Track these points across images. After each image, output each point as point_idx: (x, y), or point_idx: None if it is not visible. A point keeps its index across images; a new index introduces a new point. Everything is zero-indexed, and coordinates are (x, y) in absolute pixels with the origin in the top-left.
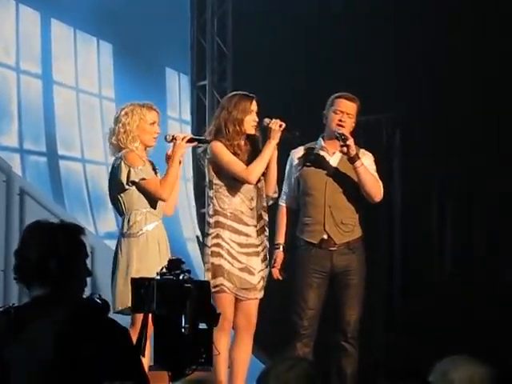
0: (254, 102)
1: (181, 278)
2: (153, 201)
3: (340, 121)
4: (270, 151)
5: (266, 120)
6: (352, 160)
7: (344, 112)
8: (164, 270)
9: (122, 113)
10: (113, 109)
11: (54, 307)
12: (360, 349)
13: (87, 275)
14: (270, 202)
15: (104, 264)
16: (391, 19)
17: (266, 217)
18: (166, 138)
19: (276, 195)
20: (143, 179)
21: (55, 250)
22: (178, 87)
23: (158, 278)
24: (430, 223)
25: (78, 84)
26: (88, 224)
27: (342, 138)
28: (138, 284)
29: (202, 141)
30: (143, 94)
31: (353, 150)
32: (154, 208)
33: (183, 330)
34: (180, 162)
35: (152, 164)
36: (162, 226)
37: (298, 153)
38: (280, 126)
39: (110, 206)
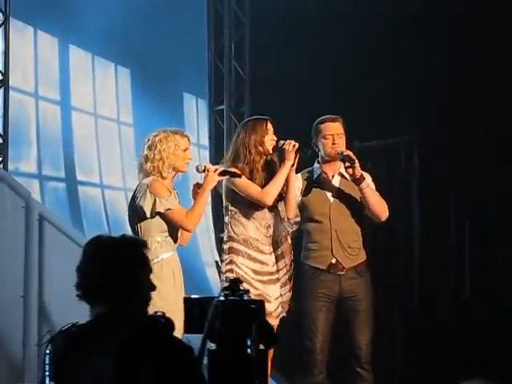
0: (269, 123)
1: (245, 298)
2: (176, 229)
3: (333, 144)
4: (285, 172)
5: (281, 142)
6: (358, 181)
7: (333, 134)
8: (223, 290)
9: (157, 139)
10: (131, 134)
11: (118, 324)
12: (378, 369)
13: (151, 290)
14: (294, 228)
15: None
16: (407, 44)
17: (286, 242)
18: (197, 169)
19: (299, 219)
20: (169, 209)
21: (118, 266)
22: (195, 112)
23: (222, 298)
24: (449, 245)
25: (96, 109)
26: None
27: (348, 160)
28: (192, 303)
29: (234, 174)
30: (161, 119)
31: (359, 171)
32: (175, 238)
33: (249, 351)
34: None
35: (174, 190)
36: (177, 255)
37: (297, 181)
38: (293, 146)
39: (129, 230)
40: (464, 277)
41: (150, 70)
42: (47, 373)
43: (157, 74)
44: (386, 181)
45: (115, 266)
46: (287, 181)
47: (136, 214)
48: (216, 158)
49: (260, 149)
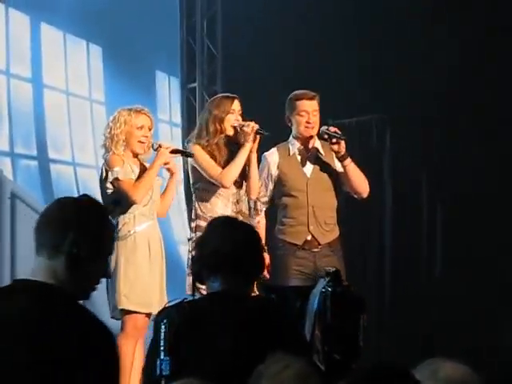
0: (236, 102)
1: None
2: (125, 203)
3: (308, 122)
4: (244, 154)
5: (239, 123)
6: (343, 158)
7: (309, 112)
8: (326, 281)
9: (111, 118)
10: (103, 112)
11: (235, 301)
12: None
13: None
14: (264, 207)
15: None
16: (380, 19)
17: (254, 218)
18: (152, 146)
19: (266, 199)
20: (117, 179)
21: (248, 245)
22: (168, 90)
23: (329, 289)
24: (420, 222)
25: (68, 87)
26: None
27: (336, 136)
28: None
29: (186, 153)
30: (133, 97)
31: (344, 148)
32: (125, 209)
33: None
34: (172, 173)
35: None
36: (156, 226)
37: (273, 155)
38: (252, 127)
39: None
40: (436, 253)
41: (122, 48)
42: (162, 347)
43: (129, 52)
44: (359, 158)
45: (247, 245)
46: (248, 162)
47: (102, 191)
48: (188, 136)
49: (218, 126)
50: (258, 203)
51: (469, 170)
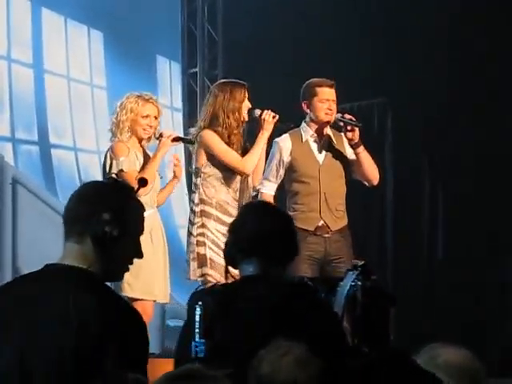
0: (246, 89)
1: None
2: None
3: (329, 109)
4: (263, 142)
5: (257, 111)
6: (356, 145)
7: (329, 100)
8: (354, 274)
9: (118, 103)
10: (104, 97)
11: (270, 285)
12: None
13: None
14: (254, 194)
15: None
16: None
17: None
18: (154, 135)
19: (259, 186)
20: (121, 171)
21: (283, 229)
22: (168, 75)
23: (359, 282)
24: (422, 207)
25: (69, 72)
26: None
27: (351, 123)
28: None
29: (188, 141)
30: (134, 82)
31: (358, 135)
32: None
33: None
34: (176, 177)
35: (147, 157)
36: (157, 214)
37: (286, 141)
38: (273, 117)
39: None
40: (437, 238)
41: (123, 33)
42: (197, 330)
43: (130, 37)
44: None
45: (281, 231)
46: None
47: (103, 176)
48: (189, 121)
49: (237, 115)
50: (254, 191)
51: (471, 152)
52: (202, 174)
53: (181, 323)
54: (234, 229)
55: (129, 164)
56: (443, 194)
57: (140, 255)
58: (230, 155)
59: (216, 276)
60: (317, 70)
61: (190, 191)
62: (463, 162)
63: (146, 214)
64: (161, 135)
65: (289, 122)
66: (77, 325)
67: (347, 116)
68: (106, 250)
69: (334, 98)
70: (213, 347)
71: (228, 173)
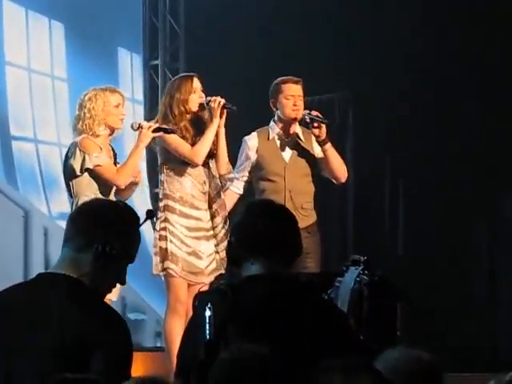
0: (196, 80)
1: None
2: (107, 187)
3: (295, 105)
4: (213, 130)
5: (207, 98)
6: (323, 142)
7: (295, 96)
8: (357, 269)
9: (86, 98)
10: (65, 89)
11: (276, 282)
12: None
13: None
14: (228, 184)
15: (57, 245)
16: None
17: (219, 199)
18: (132, 126)
19: (232, 175)
20: (98, 165)
21: (288, 227)
22: (130, 67)
23: (365, 277)
24: (382, 204)
25: (30, 64)
26: (41, 204)
27: (318, 120)
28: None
29: (168, 131)
30: (95, 74)
31: (325, 132)
32: (107, 195)
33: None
34: None
35: (113, 150)
36: None
37: (252, 139)
38: (219, 103)
39: (63, 186)
40: (397, 236)
41: (84, 24)
42: (208, 331)
43: (91, 29)
44: None
45: (288, 228)
46: (217, 137)
47: (68, 173)
48: (150, 113)
49: (182, 108)
50: (223, 180)
51: (432, 153)
52: (165, 170)
53: (140, 316)
54: (237, 228)
55: (104, 158)
56: (404, 193)
57: (123, 282)
58: (180, 147)
59: (177, 270)
60: (278, 62)
61: (152, 183)
62: (425, 161)
63: None
64: (140, 126)
65: (232, 105)
66: (58, 329)
67: (314, 112)
68: (104, 267)
69: (300, 94)
70: (225, 347)
71: (188, 166)
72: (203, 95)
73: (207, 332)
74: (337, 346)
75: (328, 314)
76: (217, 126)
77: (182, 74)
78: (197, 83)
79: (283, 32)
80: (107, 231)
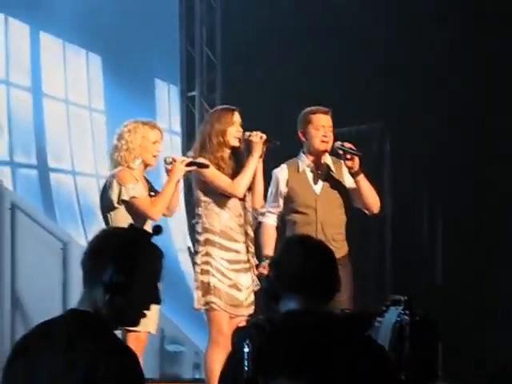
0: (237, 114)
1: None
2: (141, 220)
3: (325, 136)
4: (253, 164)
5: (247, 133)
6: (356, 174)
7: (325, 126)
8: (398, 309)
9: (125, 129)
10: (102, 121)
11: (315, 318)
12: None
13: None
14: (260, 218)
15: None
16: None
17: (251, 233)
18: (165, 161)
19: (264, 210)
20: (134, 197)
21: (326, 264)
22: (167, 98)
23: (406, 317)
24: (420, 234)
25: (68, 96)
26: (79, 236)
27: (351, 152)
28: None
29: (201, 165)
30: (133, 106)
31: (358, 164)
32: (141, 226)
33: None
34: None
35: (148, 182)
36: None
37: (283, 172)
38: (261, 137)
39: (100, 217)
40: (436, 264)
41: (121, 56)
42: (246, 367)
43: (128, 61)
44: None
45: (326, 265)
46: (255, 172)
47: (105, 204)
48: (188, 145)
49: (221, 139)
50: (255, 213)
51: (470, 181)
52: (202, 203)
53: (179, 348)
54: (276, 264)
55: (140, 190)
56: (443, 220)
57: (157, 301)
58: (219, 179)
59: (220, 304)
60: (316, 93)
61: (189, 214)
62: (462, 188)
63: None
64: (174, 160)
65: (275, 140)
66: (69, 367)
67: (347, 144)
68: (118, 297)
69: (330, 125)
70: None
71: (226, 198)
72: (241, 130)
73: (245, 369)
74: (376, 382)
75: (367, 350)
76: (257, 160)
77: (223, 106)
78: (237, 117)
79: (323, 61)
80: (106, 263)
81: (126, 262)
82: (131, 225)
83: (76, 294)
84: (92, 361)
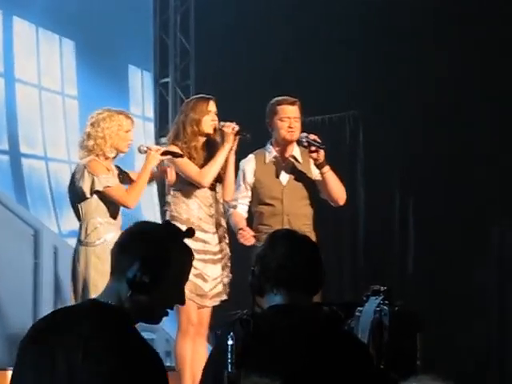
0: (212, 103)
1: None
2: (116, 208)
3: (290, 127)
4: (223, 154)
5: (221, 123)
6: (321, 165)
7: (291, 118)
8: (377, 299)
9: (100, 117)
10: (75, 106)
11: (299, 313)
12: None
13: (323, 285)
14: (231, 210)
15: (67, 264)
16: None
17: (224, 223)
18: (139, 149)
19: (235, 203)
20: (108, 187)
21: (311, 259)
22: (140, 84)
23: (385, 307)
24: (392, 221)
25: (41, 82)
26: (51, 223)
27: (315, 144)
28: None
29: (176, 155)
30: (106, 92)
31: (322, 156)
32: (115, 217)
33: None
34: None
35: (118, 168)
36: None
37: (250, 162)
38: (233, 128)
39: None
40: (408, 252)
41: (95, 42)
42: (229, 360)
43: (102, 47)
44: (331, 157)
45: (311, 260)
46: (226, 163)
47: (76, 195)
48: (161, 131)
49: (195, 128)
50: (226, 205)
51: (442, 167)
52: (172, 191)
53: (150, 336)
54: (261, 258)
55: (113, 180)
56: (414, 209)
57: (182, 302)
58: (188, 168)
59: (186, 293)
60: (290, 82)
61: (162, 202)
62: (434, 175)
63: (112, 234)
64: (149, 149)
65: (246, 133)
66: (87, 357)
67: (312, 136)
68: (141, 295)
69: (297, 116)
70: (245, 377)
71: (195, 188)
72: (216, 119)
73: (229, 361)
74: (357, 377)
75: (348, 346)
76: (227, 151)
77: (199, 95)
78: (212, 106)
79: (295, 50)
80: (137, 260)
81: (154, 263)
82: (167, 222)
83: (47, 280)
84: (110, 354)
